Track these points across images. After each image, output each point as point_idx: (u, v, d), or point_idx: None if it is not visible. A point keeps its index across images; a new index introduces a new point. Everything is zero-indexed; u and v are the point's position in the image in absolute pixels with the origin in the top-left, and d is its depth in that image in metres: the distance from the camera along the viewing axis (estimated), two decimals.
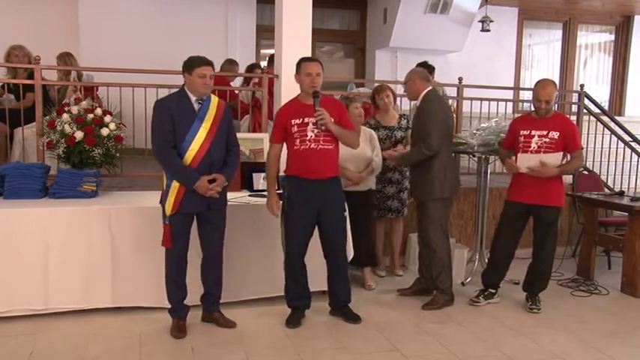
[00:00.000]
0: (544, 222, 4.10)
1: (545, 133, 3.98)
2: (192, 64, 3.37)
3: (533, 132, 4.01)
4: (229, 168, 3.52)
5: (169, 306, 3.62)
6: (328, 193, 3.69)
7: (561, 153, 4.00)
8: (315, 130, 3.60)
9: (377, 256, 4.85)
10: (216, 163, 3.43)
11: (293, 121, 3.63)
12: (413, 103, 4.72)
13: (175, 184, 3.35)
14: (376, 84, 5.13)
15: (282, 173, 3.81)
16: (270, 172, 3.77)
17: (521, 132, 4.05)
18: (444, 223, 4.19)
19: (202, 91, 3.38)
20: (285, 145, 3.74)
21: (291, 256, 3.72)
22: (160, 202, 3.45)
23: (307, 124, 3.61)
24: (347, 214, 3.85)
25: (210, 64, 3.40)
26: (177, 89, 3.51)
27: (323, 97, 3.68)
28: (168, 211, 3.37)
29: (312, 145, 3.61)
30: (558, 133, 3.97)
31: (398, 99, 5.28)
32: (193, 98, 3.41)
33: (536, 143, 3.99)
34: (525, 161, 4.02)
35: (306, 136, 3.61)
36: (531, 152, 4.00)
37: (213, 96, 3.52)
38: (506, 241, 4.24)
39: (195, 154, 3.35)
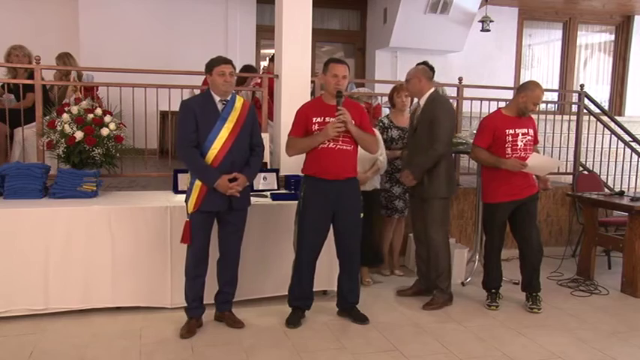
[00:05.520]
0: (530, 211, 4.15)
1: (526, 131, 4.11)
2: (212, 64, 3.45)
3: (517, 131, 4.08)
4: (251, 168, 3.54)
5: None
6: (345, 194, 3.68)
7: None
8: None
9: (382, 256, 4.86)
10: (237, 162, 3.45)
11: (314, 119, 3.64)
12: (414, 103, 4.71)
13: (198, 183, 3.40)
14: (380, 84, 5.11)
15: (299, 173, 3.82)
16: (302, 140, 3.68)
17: (507, 131, 4.07)
18: (445, 222, 4.21)
19: (223, 89, 3.43)
20: None
21: (302, 257, 3.71)
22: (185, 201, 3.50)
23: (328, 123, 3.61)
24: (362, 215, 3.84)
25: (228, 62, 3.47)
26: (201, 92, 3.57)
27: (346, 99, 3.69)
28: (190, 209, 3.43)
29: (331, 145, 3.61)
30: (532, 130, 4.16)
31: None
32: (217, 99, 3.46)
33: (522, 141, 4.08)
34: (537, 159, 4.08)
35: None
36: (520, 150, 4.07)
37: (238, 96, 3.57)
38: (500, 244, 4.26)
39: (217, 153, 3.39)
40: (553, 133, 6.09)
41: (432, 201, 4.12)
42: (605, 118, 6.43)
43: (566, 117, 6.54)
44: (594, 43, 9.46)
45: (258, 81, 5.76)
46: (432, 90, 4.15)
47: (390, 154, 4.69)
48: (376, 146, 3.87)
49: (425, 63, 4.22)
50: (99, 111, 4.20)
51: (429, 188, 4.10)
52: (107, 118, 4.17)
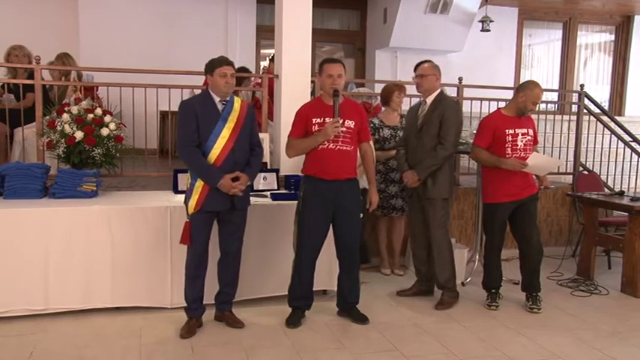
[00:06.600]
0: (530, 211, 4.15)
1: (525, 131, 4.12)
2: (213, 65, 3.44)
3: (517, 131, 4.09)
4: (252, 168, 3.55)
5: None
6: (344, 194, 3.69)
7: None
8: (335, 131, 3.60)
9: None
10: (239, 162, 3.47)
11: (314, 119, 3.66)
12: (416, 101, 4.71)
13: (200, 183, 3.40)
14: (381, 84, 5.11)
15: (299, 173, 3.83)
16: (302, 141, 3.68)
17: (507, 131, 4.08)
18: (446, 222, 4.22)
19: (224, 90, 3.44)
20: None
21: (301, 257, 3.72)
22: (184, 202, 3.50)
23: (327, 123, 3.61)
24: (362, 215, 3.83)
25: (230, 63, 3.47)
26: (201, 92, 3.59)
27: (346, 99, 3.69)
28: (191, 209, 3.42)
29: (331, 146, 3.62)
30: (532, 130, 4.16)
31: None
32: (217, 99, 3.47)
33: (522, 141, 4.09)
34: (537, 159, 4.09)
35: None
36: (519, 150, 4.07)
37: (235, 97, 3.58)
38: (500, 244, 4.26)
39: (219, 153, 3.40)
40: (553, 133, 6.09)
41: (435, 202, 4.12)
42: (605, 118, 6.43)
43: (566, 117, 6.54)
44: (594, 43, 9.45)
45: (259, 81, 5.76)
46: (440, 90, 4.19)
47: (383, 155, 4.69)
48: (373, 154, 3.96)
49: (430, 61, 4.23)
50: (99, 111, 4.20)
51: (433, 189, 4.10)
52: (107, 118, 4.17)
